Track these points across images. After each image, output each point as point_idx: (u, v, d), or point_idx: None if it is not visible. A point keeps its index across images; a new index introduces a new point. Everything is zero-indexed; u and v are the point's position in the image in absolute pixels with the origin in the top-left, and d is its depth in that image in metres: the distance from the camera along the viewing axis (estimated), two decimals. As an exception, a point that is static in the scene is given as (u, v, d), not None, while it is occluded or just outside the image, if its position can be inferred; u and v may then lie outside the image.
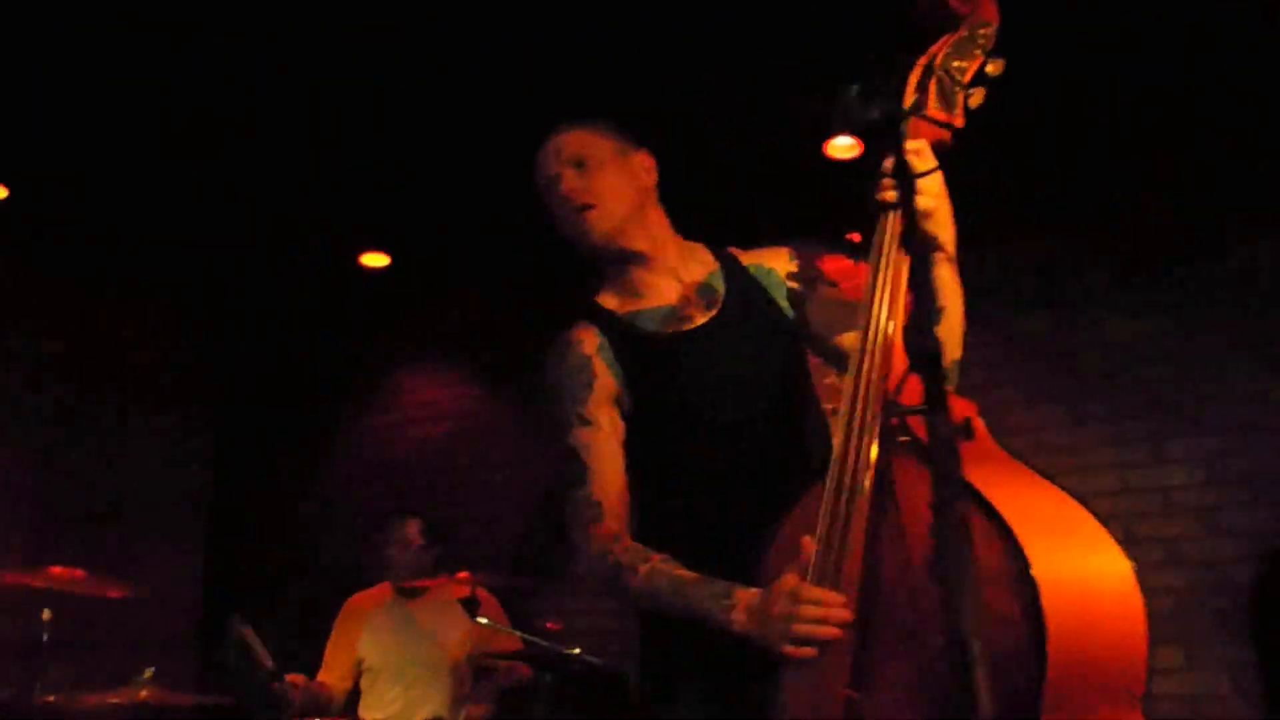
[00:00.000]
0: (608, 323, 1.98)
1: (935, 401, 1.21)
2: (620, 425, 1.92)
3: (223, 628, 3.68)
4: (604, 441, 1.90)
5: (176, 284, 5.52)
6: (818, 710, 1.50)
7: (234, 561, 5.35)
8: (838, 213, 2.43)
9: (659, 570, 1.73)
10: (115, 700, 3.47)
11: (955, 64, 1.60)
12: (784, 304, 1.98)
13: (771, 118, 4.15)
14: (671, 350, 1.94)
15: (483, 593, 4.04)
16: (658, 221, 2.03)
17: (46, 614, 3.58)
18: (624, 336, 1.96)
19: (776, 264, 2.02)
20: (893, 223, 1.58)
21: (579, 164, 1.98)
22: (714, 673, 1.74)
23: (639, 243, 1.99)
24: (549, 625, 3.94)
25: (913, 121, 1.59)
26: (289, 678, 3.67)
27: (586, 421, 1.90)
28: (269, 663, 3.60)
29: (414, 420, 5.36)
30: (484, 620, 3.73)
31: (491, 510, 5.11)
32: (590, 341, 1.95)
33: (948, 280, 1.71)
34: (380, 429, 5.41)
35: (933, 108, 1.59)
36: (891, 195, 1.55)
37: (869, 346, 1.56)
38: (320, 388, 5.50)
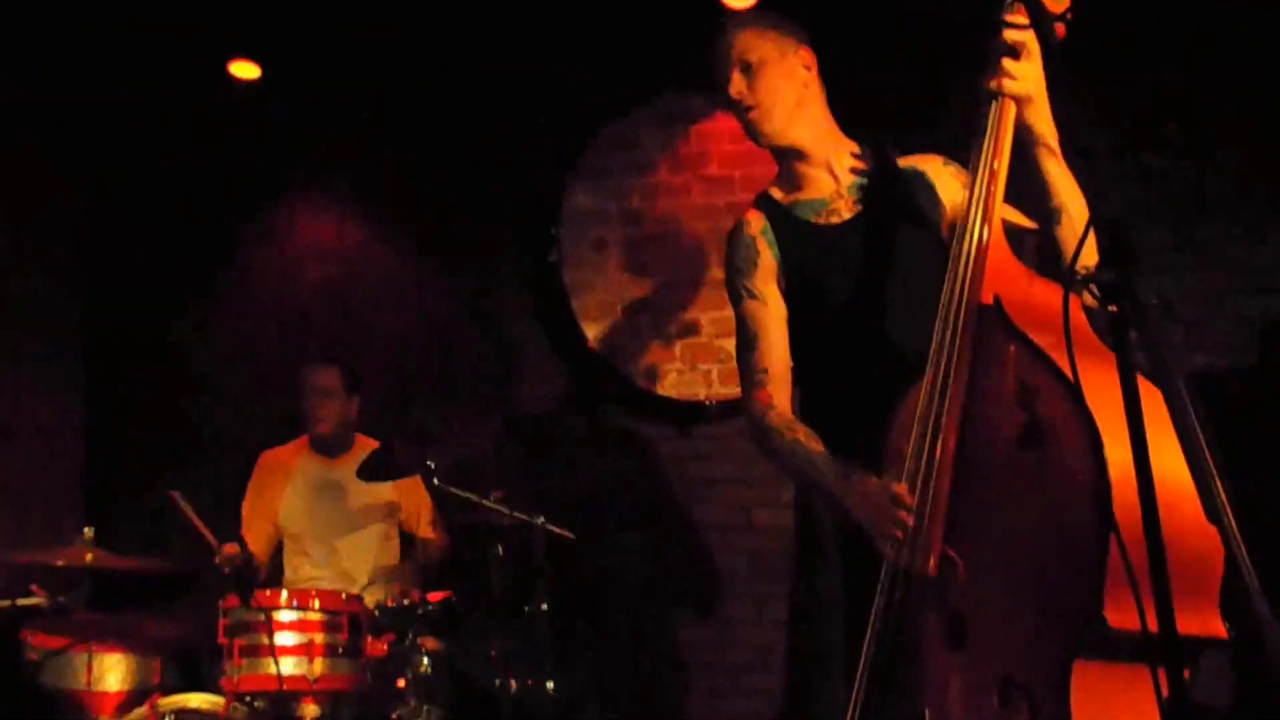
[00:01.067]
0: (771, 209, 2.23)
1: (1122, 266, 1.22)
2: (782, 301, 2.18)
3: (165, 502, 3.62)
4: (768, 314, 2.17)
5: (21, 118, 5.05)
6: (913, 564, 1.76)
7: (122, 420, 5.12)
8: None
9: (800, 442, 2.02)
10: (60, 563, 3.39)
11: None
12: (932, 205, 2.14)
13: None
14: (818, 239, 2.17)
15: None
16: (817, 117, 2.21)
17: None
18: (783, 222, 2.20)
19: (928, 167, 2.18)
20: (1002, 111, 1.76)
21: (745, 66, 2.16)
22: (848, 542, 1.99)
23: (798, 139, 2.18)
24: (495, 494, 3.64)
25: None
26: (225, 547, 3.59)
27: (753, 295, 2.18)
28: (211, 536, 3.57)
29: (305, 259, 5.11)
30: (437, 483, 3.51)
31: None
32: (756, 224, 2.21)
33: (1060, 176, 1.84)
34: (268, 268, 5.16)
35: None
36: (1006, 81, 1.74)
37: (966, 249, 1.71)
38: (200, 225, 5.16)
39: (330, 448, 4.05)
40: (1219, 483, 1.17)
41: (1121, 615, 1.45)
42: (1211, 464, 1.17)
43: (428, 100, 4.83)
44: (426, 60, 4.76)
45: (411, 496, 4.02)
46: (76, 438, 5.09)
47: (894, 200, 2.15)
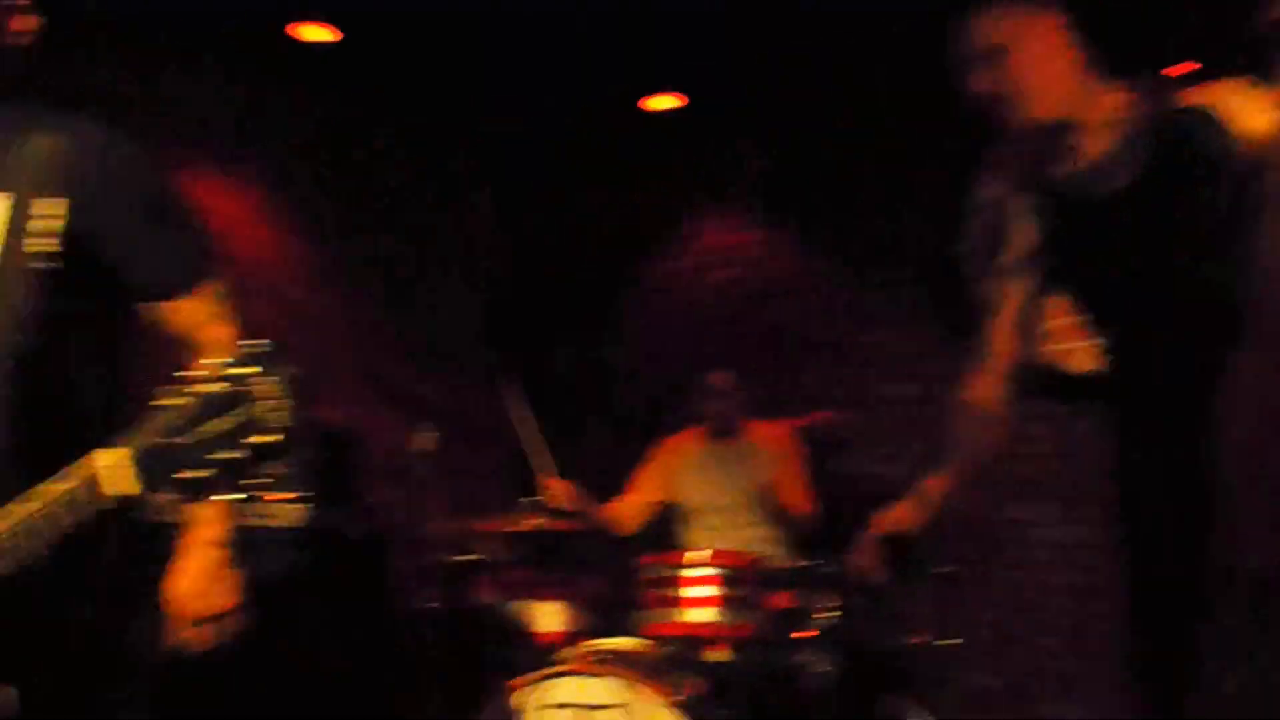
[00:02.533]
0: (1030, 182, 2.11)
1: None
2: (1028, 278, 2.14)
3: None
4: (1009, 293, 2.17)
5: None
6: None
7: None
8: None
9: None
10: (511, 529, 4.05)
11: None
12: (1224, 145, 1.91)
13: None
14: (1092, 213, 2.03)
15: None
16: (1076, 81, 2.05)
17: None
18: (1048, 197, 2.09)
19: (1218, 100, 1.94)
20: None
21: (991, 51, 2.04)
22: None
23: (1058, 109, 2.04)
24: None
25: None
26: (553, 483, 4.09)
27: (998, 272, 2.18)
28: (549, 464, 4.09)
29: (707, 266, 5.82)
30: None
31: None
32: (1005, 196, 2.15)
33: None
34: (673, 275, 5.93)
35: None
36: None
37: None
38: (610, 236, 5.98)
39: (722, 434, 4.59)
40: None
41: None
42: None
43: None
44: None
45: (787, 468, 4.50)
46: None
47: (1177, 155, 1.94)
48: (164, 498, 1.42)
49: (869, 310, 5.42)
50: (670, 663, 3.55)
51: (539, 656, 4.11)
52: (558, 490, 4.06)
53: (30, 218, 1.65)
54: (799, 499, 4.48)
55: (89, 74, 4.44)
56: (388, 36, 5.07)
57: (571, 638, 4.02)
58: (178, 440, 1.39)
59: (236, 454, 1.38)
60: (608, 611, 4.23)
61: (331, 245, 5.51)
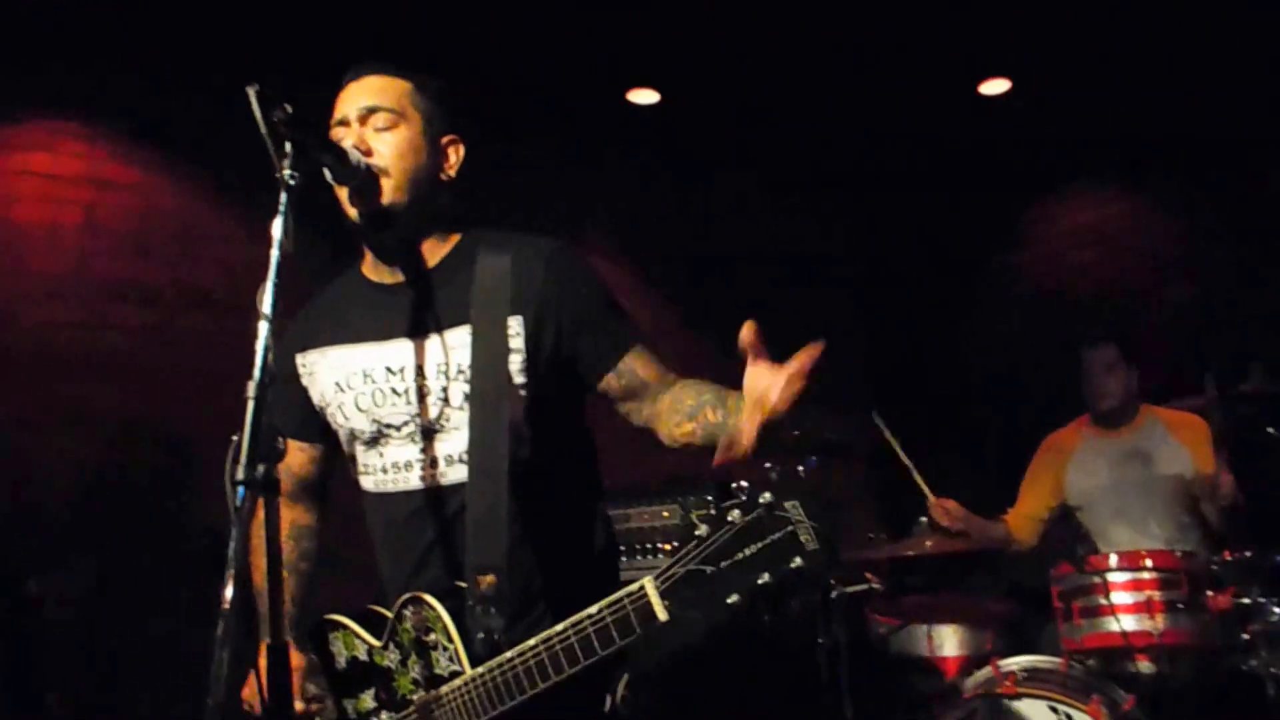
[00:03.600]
0: None
1: None
2: None
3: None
4: None
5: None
6: None
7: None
8: None
9: None
10: (907, 551, 3.90)
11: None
12: None
13: None
14: None
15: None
16: None
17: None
18: None
19: None
20: None
21: None
22: None
23: None
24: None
25: None
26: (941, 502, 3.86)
27: None
28: (924, 483, 3.90)
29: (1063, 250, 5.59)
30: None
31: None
32: None
33: None
34: (1027, 262, 5.73)
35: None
36: None
37: None
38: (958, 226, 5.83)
39: (1115, 421, 4.17)
40: None
41: None
42: None
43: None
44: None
45: (1199, 452, 4.00)
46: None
47: None
48: (692, 622, 1.52)
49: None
50: (1098, 678, 3.32)
51: (943, 683, 4.02)
52: (942, 509, 3.86)
53: (499, 339, 1.89)
54: (1221, 486, 3.91)
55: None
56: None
57: (977, 661, 3.86)
58: (710, 568, 1.47)
59: (766, 580, 1.44)
60: (1019, 630, 4.04)
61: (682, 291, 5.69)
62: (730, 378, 1.76)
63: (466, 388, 1.90)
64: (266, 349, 1.50)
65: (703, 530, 1.49)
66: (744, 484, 1.51)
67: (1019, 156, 5.56)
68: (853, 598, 4.14)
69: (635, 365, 1.96)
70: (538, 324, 1.93)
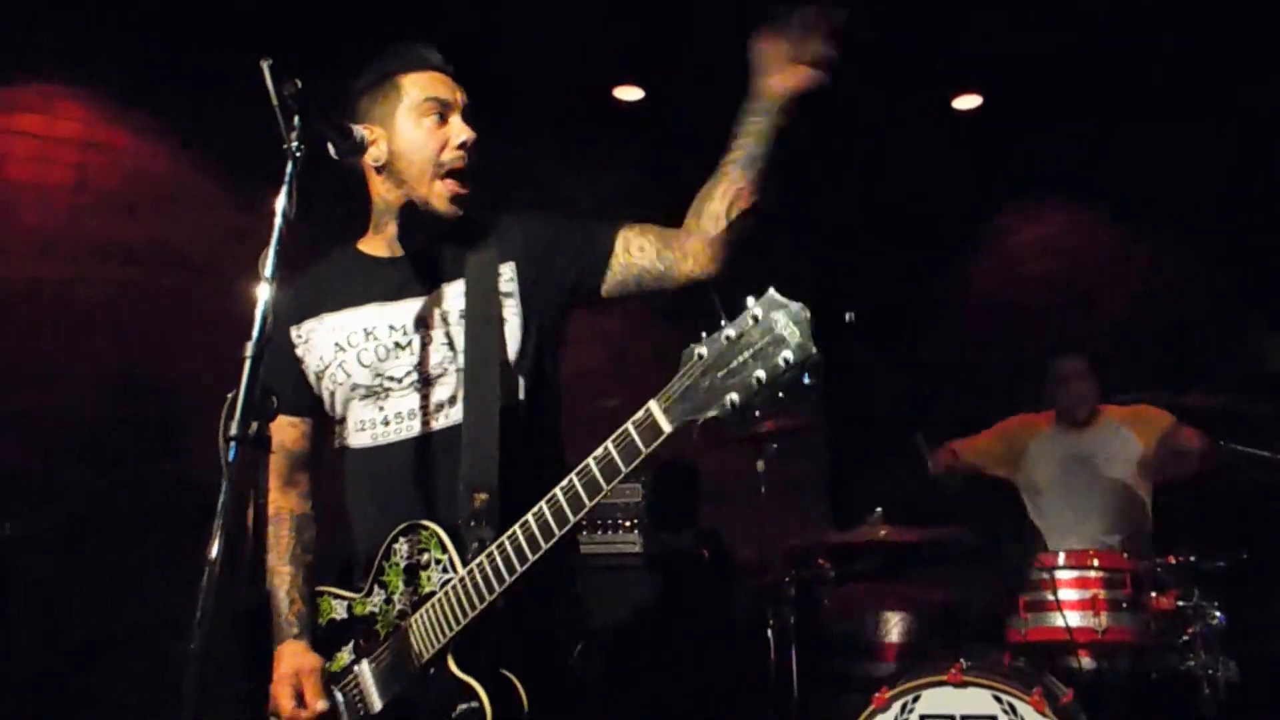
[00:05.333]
0: None
1: None
2: None
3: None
4: None
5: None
6: None
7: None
8: None
9: None
10: (854, 540, 3.92)
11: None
12: None
13: None
14: None
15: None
16: None
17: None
18: None
19: None
20: None
21: None
22: None
23: None
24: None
25: None
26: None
27: None
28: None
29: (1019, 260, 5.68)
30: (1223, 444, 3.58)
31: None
32: None
33: None
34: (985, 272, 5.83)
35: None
36: None
37: None
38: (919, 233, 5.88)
39: (1080, 423, 4.35)
40: None
41: None
42: None
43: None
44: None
45: (1145, 430, 4.19)
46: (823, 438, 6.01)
47: None
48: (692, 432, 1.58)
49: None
50: (1042, 670, 3.40)
51: (888, 669, 4.10)
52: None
53: (491, 284, 2.06)
54: (1181, 441, 4.10)
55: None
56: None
57: (921, 649, 3.94)
58: (707, 381, 1.55)
59: (761, 376, 1.50)
60: (966, 620, 4.12)
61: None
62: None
63: (463, 331, 2.00)
64: (266, 311, 1.52)
65: (702, 349, 1.57)
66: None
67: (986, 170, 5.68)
68: (803, 582, 4.24)
69: (630, 236, 2.09)
70: (529, 265, 2.07)
